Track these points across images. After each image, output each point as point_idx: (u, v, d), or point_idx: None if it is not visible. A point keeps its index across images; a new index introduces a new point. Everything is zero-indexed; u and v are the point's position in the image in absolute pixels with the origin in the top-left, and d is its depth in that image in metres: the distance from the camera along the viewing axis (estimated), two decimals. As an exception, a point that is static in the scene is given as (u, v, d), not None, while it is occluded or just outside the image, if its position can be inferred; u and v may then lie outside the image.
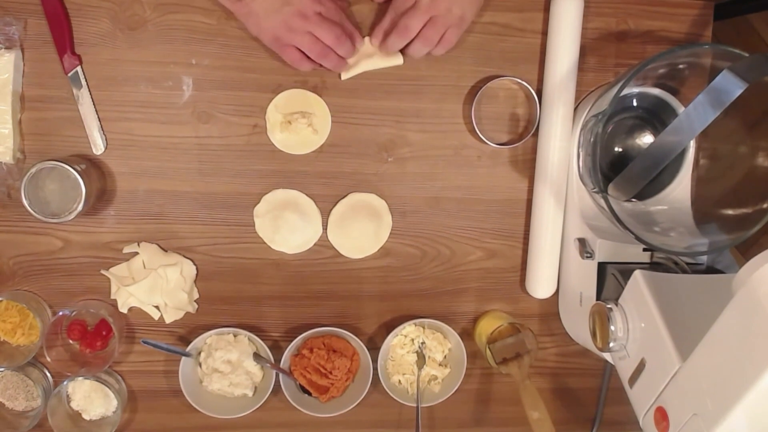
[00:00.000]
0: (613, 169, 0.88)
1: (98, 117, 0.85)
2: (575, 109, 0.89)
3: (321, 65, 0.82)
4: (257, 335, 0.89)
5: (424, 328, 0.93)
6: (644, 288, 0.71)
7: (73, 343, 0.89)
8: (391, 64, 0.87)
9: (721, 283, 0.62)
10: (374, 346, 0.92)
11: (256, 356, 0.89)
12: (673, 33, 0.92)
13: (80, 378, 0.87)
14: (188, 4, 0.84)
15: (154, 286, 0.87)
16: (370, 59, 0.87)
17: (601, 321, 0.75)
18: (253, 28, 0.80)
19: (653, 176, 0.70)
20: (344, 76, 0.87)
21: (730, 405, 0.53)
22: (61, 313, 0.85)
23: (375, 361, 0.90)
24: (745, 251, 1.24)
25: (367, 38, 0.86)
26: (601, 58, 0.91)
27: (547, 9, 0.88)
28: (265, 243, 0.90)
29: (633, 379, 0.71)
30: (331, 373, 0.89)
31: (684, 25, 0.92)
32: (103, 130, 0.85)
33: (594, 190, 0.78)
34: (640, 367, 0.70)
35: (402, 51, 0.84)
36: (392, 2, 0.82)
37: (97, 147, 0.85)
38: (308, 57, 0.80)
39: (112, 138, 0.86)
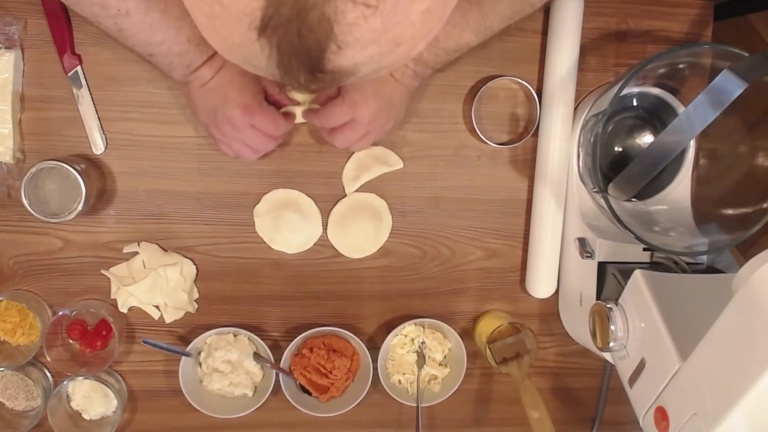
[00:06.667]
0: (613, 169, 0.88)
1: (98, 117, 0.85)
2: (575, 109, 0.89)
3: None
4: (257, 335, 0.89)
5: (424, 327, 0.93)
6: (644, 288, 0.71)
7: (73, 343, 0.89)
8: (392, 170, 0.89)
9: (721, 283, 0.62)
10: (374, 346, 0.92)
11: (256, 356, 0.89)
12: (673, 33, 0.92)
13: (80, 378, 0.87)
14: (188, 4, 0.84)
15: (154, 286, 0.87)
16: (369, 171, 0.88)
17: (601, 321, 0.75)
18: (192, 110, 0.78)
19: (653, 176, 0.70)
20: (348, 190, 0.89)
21: (730, 405, 0.53)
22: (61, 313, 0.85)
23: (375, 360, 0.90)
24: (745, 251, 1.24)
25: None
26: (601, 58, 0.91)
27: (547, 9, 0.88)
28: (265, 243, 0.90)
29: (633, 379, 0.71)
30: (331, 372, 0.89)
31: (684, 25, 0.92)
32: (103, 130, 0.85)
33: (594, 190, 0.78)
34: (640, 367, 0.70)
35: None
36: (326, 107, 0.76)
37: (97, 147, 0.85)
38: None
39: (112, 138, 0.86)
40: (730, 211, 0.82)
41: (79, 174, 0.79)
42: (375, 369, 0.90)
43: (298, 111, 0.81)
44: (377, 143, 0.89)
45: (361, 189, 0.90)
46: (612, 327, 0.73)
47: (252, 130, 0.75)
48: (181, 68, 0.71)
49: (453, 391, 0.91)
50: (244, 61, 0.46)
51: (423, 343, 0.93)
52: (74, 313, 0.87)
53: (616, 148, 0.89)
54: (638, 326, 0.72)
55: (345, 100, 0.74)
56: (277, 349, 0.91)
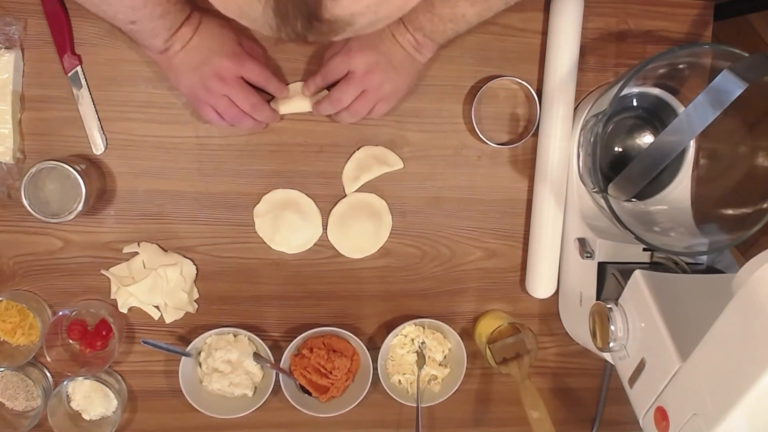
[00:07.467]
0: (613, 169, 0.88)
1: (98, 117, 0.85)
2: (575, 109, 0.89)
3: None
4: (257, 335, 0.89)
5: (424, 328, 0.93)
6: (644, 288, 0.71)
7: (73, 343, 0.89)
8: (392, 170, 0.89)
9: (721, 283, 0.62)
10: (374, 346, 0.92)
11: (256, 356, 0.89)
12: (673, 33, 0.92)
13: (80, 378, 0.87)
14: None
15: (154, 286, 0.87)
16: (369, 171, 0.89)
17: (601, 321, 0.75)
18: (173, 81, 0.79)
19: (653, 176, 0.70)
20: (348, 190, 0.89)
21: (730, 405, 0.53)
22: (61, 313, 0.85)
23: (375, 361, 0.90)
24: (745, 251, 1.24)
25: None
26: (601, 58, 0.91)
27: (547, 9, 0.88)
28: (265, 243, 0.90)
29: (633, 379, 0.71)
30: (331, 373, 0.89)
31: (684, 25, 0.92)
32: (103, 130, 0.85)
33: (594, 190, 0.78)
34: (640, 367, 0.70)
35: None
36: (325, 63, 0.80)
37: (97, 147, 0.85)
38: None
39: (112, 138, 0.86)
40: (730, 211, 0.82)
41: (79, 174, 0.79)
42: (375, 369, 0.90)
43: (282, 105, 0.83)
44: (377, 141, 0.89)
45: (361, 189, 0.90)
46: (612, 327, 0.73)
47: (240, 84, 0.76)
48: (164, 31, 0.72)
49: (453, 391, 0.91)
50: (240, 13, 0.46)
51: (423, 343, 0.93)
52: (74, 313, 0.87)
53: (616, 148, 0.89)
54: (638, 326, 0.72)
55: (342, 49, 0.77)
56: (277, 349, 0.91)
